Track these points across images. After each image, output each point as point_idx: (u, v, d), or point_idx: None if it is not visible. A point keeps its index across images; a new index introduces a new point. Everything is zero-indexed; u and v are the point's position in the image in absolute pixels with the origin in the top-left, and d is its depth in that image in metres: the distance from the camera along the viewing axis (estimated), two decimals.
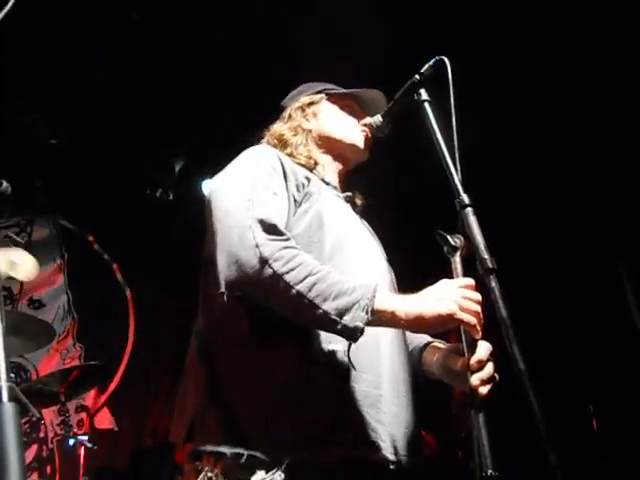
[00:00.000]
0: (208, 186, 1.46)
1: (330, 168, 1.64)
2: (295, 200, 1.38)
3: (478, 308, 1.22)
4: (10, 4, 1.12)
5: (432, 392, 1.50)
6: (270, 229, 1.22)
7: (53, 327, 3.13)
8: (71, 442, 3.10)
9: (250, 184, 1.33)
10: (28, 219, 4.33)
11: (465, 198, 1.25)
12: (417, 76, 1.46)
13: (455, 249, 1.29)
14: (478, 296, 1.23)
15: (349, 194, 1.66)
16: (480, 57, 3.29)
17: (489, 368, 1.23)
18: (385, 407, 1.27)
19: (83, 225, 4.52)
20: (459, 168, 1.31)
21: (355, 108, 1.71)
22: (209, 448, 1.19)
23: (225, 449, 1.16)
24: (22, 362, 3.97)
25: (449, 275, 1.31)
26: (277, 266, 1.17)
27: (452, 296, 1.22)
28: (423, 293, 1.26)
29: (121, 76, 3.66)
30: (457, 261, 1.29)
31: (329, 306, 1.15)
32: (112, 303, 4.51)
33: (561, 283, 4.45)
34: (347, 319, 1.15)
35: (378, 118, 1.61)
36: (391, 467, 1.23)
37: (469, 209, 1.24)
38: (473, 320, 1.20)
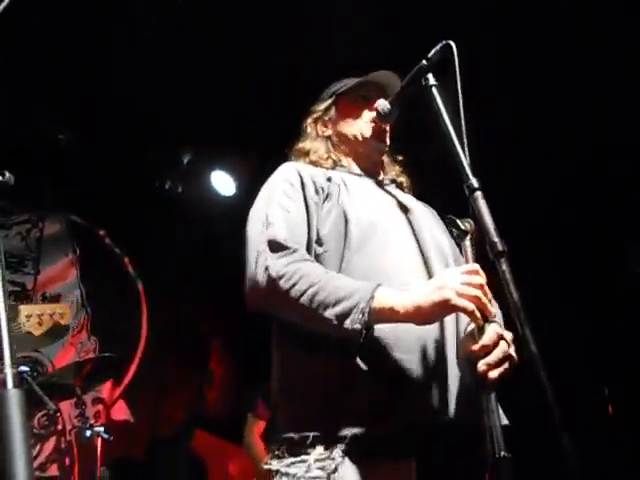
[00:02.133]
0: None
1: (358, 161, 1.74)
2: (316, 203, 1.50)
3: (478, 292, 1.21)
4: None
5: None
6: (277, 247, 1.36)
7: None
8: (88, 434, 3.13)
9: (266, 207, 1.48)
10: (39, 215, 4.36)
11: (474, 182, 1.25)
12: (424, 61, 1.46)
13: (465, 233, 1.29)
14: (480, 280, 1.23)
15: (389, 177, 1.75)
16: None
17: (497, 352, 1.21)
18: (441, 370, 1.30)
19: (93, 220, 4.54)
20: (467, 152, 1.30)
21: (370, 94, 1.73)
22: (280, 435, 1.32)
23: (293, 434, 1.28)
24: (38, 356, 4.01)
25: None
26: (282, 283, 1.30)
27: (450, 283, 1.22)
28: (424, 284, 1.29)
29: (127, 71, 3.66)
30: (467, 245, 1.29)
31: (330, 313, 1.25)
32: (124, 296, 4.54)
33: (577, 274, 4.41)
34: (347, 323, 1.23)
35: (386, 105, 1.60)
36: (455, 426, 1.27)
37: (478, 193, 1.23)
38: (470, 306, 1.20)
